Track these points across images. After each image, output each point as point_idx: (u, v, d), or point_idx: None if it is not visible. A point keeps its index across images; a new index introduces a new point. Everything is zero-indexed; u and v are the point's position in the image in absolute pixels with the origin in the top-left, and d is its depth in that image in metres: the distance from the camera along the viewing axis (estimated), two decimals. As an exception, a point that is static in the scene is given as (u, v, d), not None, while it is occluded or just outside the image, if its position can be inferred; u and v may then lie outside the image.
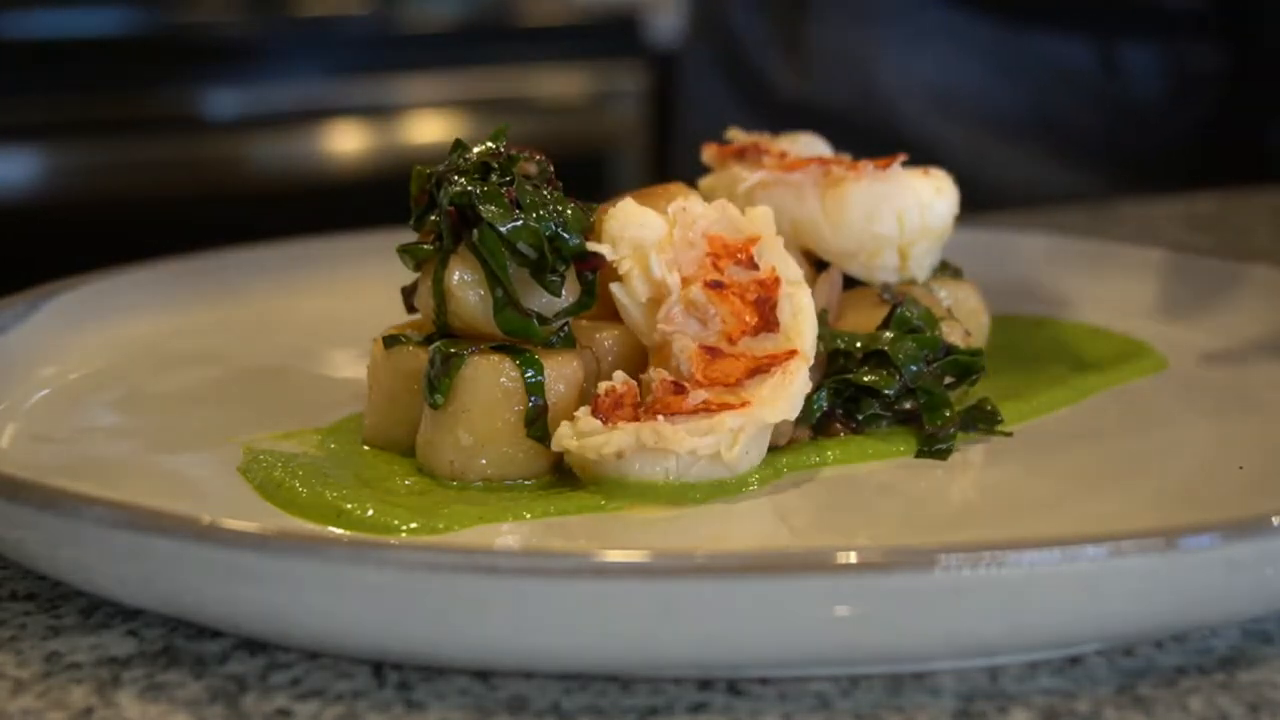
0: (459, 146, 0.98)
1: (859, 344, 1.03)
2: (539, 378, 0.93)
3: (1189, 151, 1.93)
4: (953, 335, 1.07)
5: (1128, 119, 1.82)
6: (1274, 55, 1.85)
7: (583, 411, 0.92)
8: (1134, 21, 1.79)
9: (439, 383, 0.93)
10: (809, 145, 1.20)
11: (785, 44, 1.89)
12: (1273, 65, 1.86)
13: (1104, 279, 1.34)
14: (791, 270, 0.98)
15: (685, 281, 0.97)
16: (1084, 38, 1.77)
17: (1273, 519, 0.74)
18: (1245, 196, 1.93)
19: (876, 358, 1.03)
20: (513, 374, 0.93)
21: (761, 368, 0.94)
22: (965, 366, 1.05)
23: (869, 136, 1.66)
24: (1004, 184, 1.81)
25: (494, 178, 0.95)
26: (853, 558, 0.70)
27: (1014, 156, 1.85)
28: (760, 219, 1.00)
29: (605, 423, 0.91)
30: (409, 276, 1.00)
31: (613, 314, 1.00)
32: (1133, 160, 1.88)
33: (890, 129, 1.79)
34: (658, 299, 0.97)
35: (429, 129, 3.51)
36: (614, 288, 0.98)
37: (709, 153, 1.19)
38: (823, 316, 1.03)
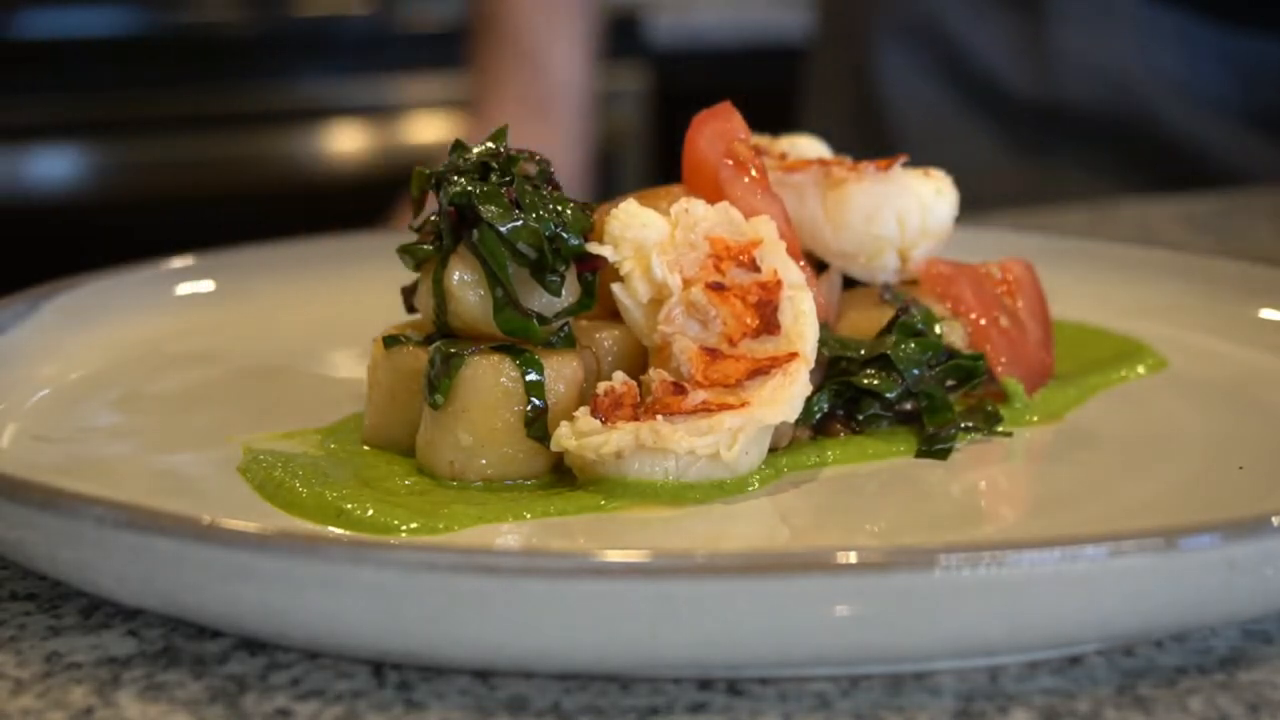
0: (458, 147, 0.98)
1: (862, 351, 1.03)
2: (539, 378, 0.93)
3: None
4: (953, 336, 1.07)
5: None
6: None
7: (582, 411, 0.92)
8: None
9: (439, 383, 0.93)
10: (809, 147, 1.20)
11: (1019, 53, 1.97)
12: None
13: (1104, 279, 1.34)
14: (793, 274, 0.98)
15: (686, 283, 0.96)
16: None
17: (1273, 519, 0.74)
18: (1245, 196, 1.93)
19: (879, 361, 1.03)
20: (513, 374, 0.93)
21: (762, 369, 0.94)
22: (967, 371, 1.05)
23: (1120, 133, 1.69)
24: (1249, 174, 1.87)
25: (494, 178, 0.95)
26: (853, 558, 0.70)
27: (1257, 147, 1.90)
28: (762, 222, 1.00)
29: (604, 423, 0.91)
30: (409, 276, 1.00)
31: (613, 314, 1.00)
32: None
33: (1147, 124, 1.85)
34: (659, 300, 0.97)
35: (429, 129, 3.51)
36: (615, 288, 0.98)
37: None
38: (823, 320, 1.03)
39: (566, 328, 0.97)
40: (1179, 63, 1.85)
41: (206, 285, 1.30)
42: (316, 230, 1.43)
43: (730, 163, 1.03)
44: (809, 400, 0.97)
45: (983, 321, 1.08)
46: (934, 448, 0.99)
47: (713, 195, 1.01)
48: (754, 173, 1.03)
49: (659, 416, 0.91)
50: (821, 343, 0.99)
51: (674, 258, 0.97)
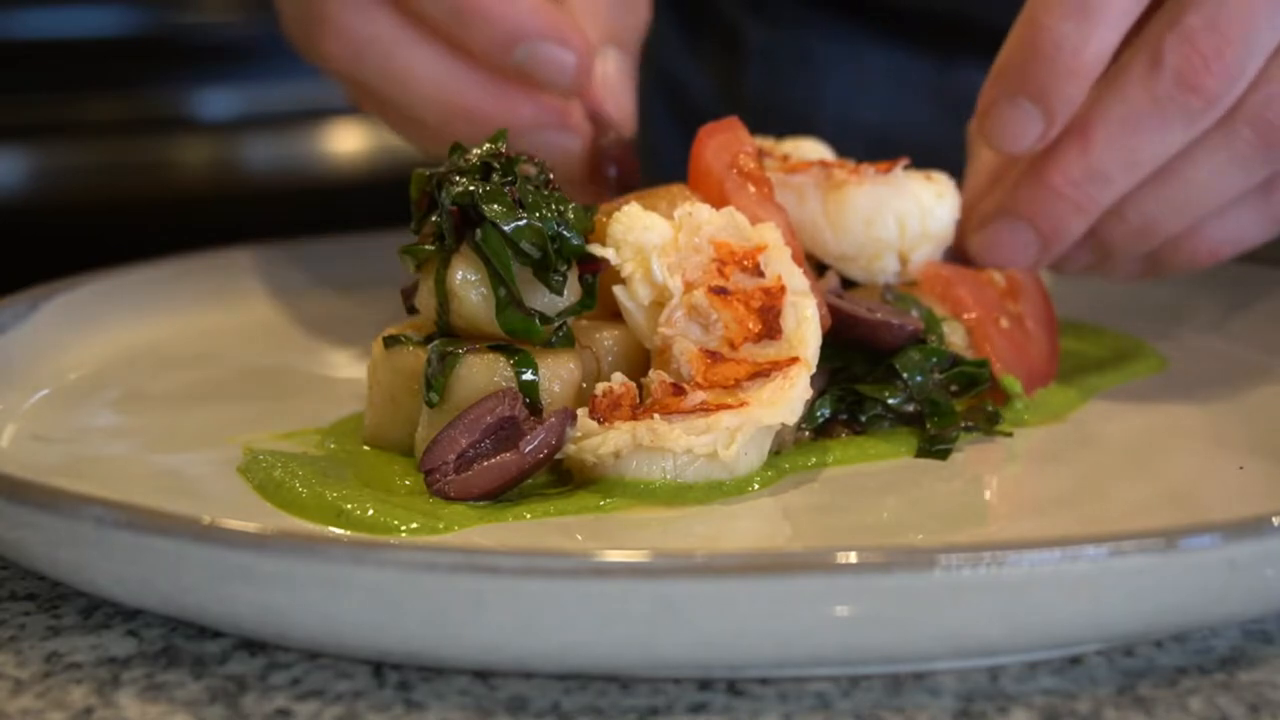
0: (457, 149, 0.98)
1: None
2: (534, 377, 0.93)
3: None
4: (954, 335, 1.07)
5: None
6: None
7: (581, 413, 0.92)
8: None
9: (435, 381, 0.93)
10: (812, 149, 1.20)
11: (722, 92, 1.89)
12: None
13: (1104, 279, 1.34)
14: (797, 280, 0.97)
15: (688, 286, 0.96)
16: None
17: (1273, 519, 0.74)
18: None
19: (883, 368, 1.03)
20: (507, 373, 0.93)
21: (762, 372, 0.94)
22: (971, 377, 1.05)
23: None
24: None
25: (495, 178, 0.95)
26: (853, 558, 0.70)
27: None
28: (768, 228, 1.00)
29: (601, 424, 0.91)
30: (409, 277, 1.00)
31: (615, 315, 1.00)
32: None
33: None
34: (660, 302, 0.97)
35: (429, 129, 3.50)
36: (617, 290, 0.98)
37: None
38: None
39: (565, 327, 0.97)
40: (887, 103, 1.78)
41: (206, 285, 1.30)
42: (316, 230, 1.43)
43: (736, 174, 1.03)
44: (811, 405, 0.97)
45: (983, 323, 1.08)
46: (934, 448, 0.99)
47: (718, 207, 1.01)
48: (759, 185, 1.03)
49: (656, 416, 0.91)
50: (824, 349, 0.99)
51: (675, 260, 0.97)
